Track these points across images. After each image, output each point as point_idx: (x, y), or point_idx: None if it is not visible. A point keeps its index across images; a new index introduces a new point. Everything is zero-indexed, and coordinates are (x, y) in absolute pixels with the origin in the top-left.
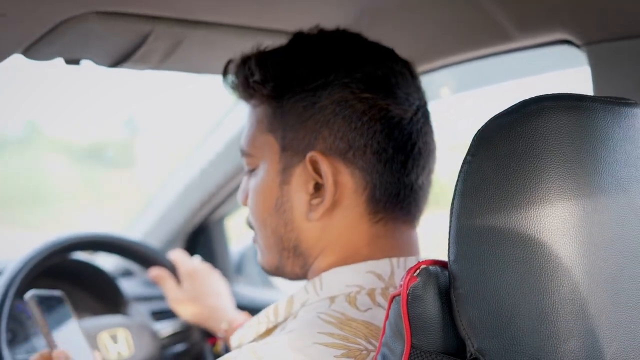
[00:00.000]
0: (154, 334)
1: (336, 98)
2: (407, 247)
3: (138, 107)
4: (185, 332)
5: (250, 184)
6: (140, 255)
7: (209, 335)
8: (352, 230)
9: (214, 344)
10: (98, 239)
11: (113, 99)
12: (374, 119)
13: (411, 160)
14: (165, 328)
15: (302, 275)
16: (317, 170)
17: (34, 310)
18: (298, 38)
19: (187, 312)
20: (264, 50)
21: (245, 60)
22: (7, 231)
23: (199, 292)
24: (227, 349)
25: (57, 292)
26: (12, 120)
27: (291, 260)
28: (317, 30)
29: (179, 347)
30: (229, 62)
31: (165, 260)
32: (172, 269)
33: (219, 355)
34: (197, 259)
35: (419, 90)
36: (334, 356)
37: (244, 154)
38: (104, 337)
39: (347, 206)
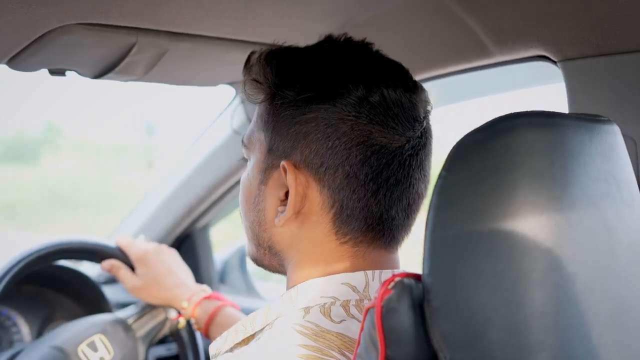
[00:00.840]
0: (126, 326)
1: (322, 114)
2: (382, 266)
3: (157, 110)
4: (150, 310)
5: (242, 174)
6: (88, 251)
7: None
8: (320, 245)
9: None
10: (40, 252)
11: (133, 102)
12: (352, 143)
13: (383, 190)
14: (130, 314)
15: (282, 272)
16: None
17: None
18: (316, 45)
19: (149, 297)
20: (278, 48)
21: (260, 55)
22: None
23: (153, 275)
24: (190, 327)
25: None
26: (33, 121)
27: (268, 257)
28: (343, 37)
29: (150, 326)
30: (252, 53)
31: (114, 250)
32: (123, 257)
33: (180, 335)
34: (143, 240)
35: (416, 120)
36: None
37: (242, 143)
38: (83, 349)
39: (315, 221)
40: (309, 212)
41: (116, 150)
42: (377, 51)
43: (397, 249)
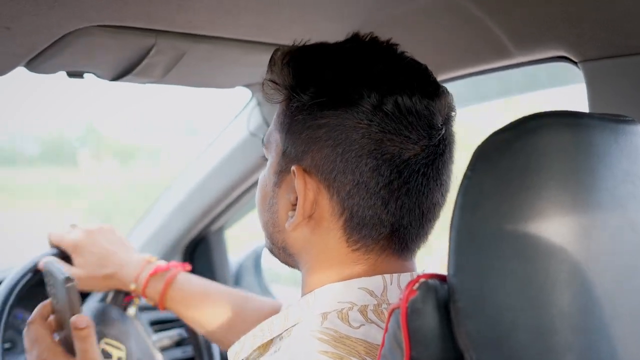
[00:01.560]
0: (114, 312)
1: (334, 120)
2: (398, 271)
3: (198, 110)
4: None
5: (261, 173)
6: (32, 270)
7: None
8: (331, 252)
9: (129, 302)
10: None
11: (173, 102)
12: (363, 151)
13: (395, 199)
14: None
15: (299, 269)
16: None
17: (73, 293)
18: (339, 44)
19: (96, 286)
20: (298, 48)
21: (281, 54)
22: None
23: (92, 262)
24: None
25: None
26: (73, 122)
27: (283, 257)
28: (368, 37)
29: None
30: (275, 51)
31: (51, 251)
32: (58, 253)
33: (196, 338)
34: (75, 229)
35: (432, 128)
36: None
37: (262, 142)
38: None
39: (326, 227)
40: (320, 218)
41: (155, 151)
42: (402, 53)
43: (412, 257)
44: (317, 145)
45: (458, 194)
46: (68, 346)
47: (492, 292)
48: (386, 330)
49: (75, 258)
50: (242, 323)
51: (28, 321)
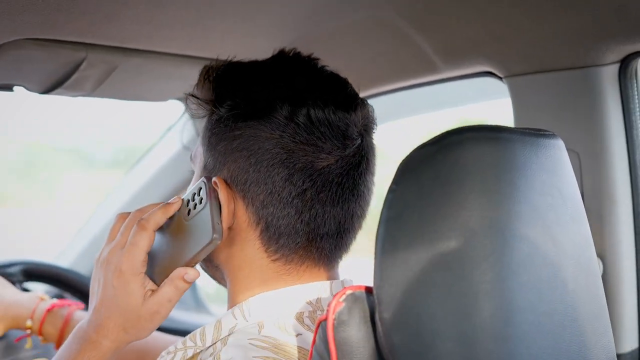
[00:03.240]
0: None
1: (248, 131)
2: (324, 280)
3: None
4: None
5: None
6: None
7: None
8: (252, 263)
9: (22, 340)
10: None
11: None
12: (274, 160)
13: (308, 209)
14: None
15: (224, 284)
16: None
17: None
18: (261, 61)
19: None
20: (220, 64)
21: (204, 70)
22: None
23: None
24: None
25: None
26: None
27: (211, 270)
28: (292, 52)
29: None
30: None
31: None
32: None
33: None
34: None
35: (347, 139)
36: None
37: (190, 158)
38: None
39: (244, 238)
40: (238, 229)
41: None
42: (322, 67)
43: (334, 266)
44: (232, 157)
45: (383, 207)
46: None
47: (416, 303)
48: (314, 342)
49: None
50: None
51: None
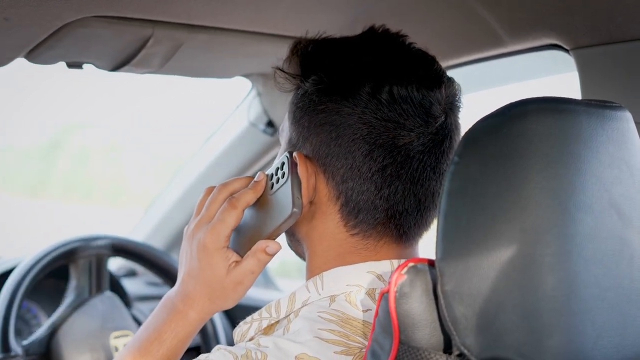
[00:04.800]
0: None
1: (332, 106)
2: (400, 257)
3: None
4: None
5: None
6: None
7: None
8: (332, 236)
9: None
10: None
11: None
12: (355, 135)
13: (388, 185)
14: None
15: (304, 257)
16: None
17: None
18: (349, 37)
19: None
20: (310, 39)
21: (293, 44)
22: None
23: None
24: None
25: None
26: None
27: (294, 244)
28: (381, 29)
29: None
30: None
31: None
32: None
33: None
34: None
35: (430, 117)
36: (334, 352)
37: (278, 132)
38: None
39: (325, 212)
40: (319, 203)
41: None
42: (410, 44)
43: (413, 244)
44: (315, 131)
45: (445, 180)
46: None
47: (478, 276)
48: (376, 314)
49: None
50: None
51: None
